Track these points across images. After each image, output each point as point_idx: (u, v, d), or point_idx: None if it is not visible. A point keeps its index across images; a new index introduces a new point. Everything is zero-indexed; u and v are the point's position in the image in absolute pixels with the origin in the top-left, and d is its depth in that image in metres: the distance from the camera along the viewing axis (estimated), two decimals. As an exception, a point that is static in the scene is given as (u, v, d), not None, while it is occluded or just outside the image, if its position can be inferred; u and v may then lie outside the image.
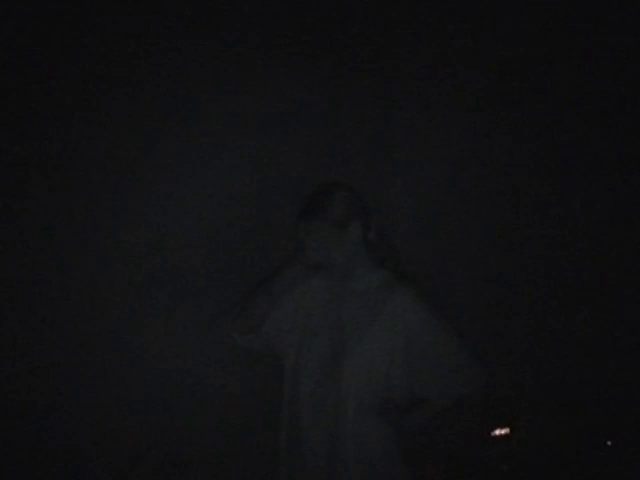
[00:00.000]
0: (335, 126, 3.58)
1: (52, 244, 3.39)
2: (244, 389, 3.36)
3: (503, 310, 3.56)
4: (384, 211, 3.33)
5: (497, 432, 3.44)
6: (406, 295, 2.61)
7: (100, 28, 3.40)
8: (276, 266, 2.64)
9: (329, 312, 2.62)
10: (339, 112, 3.58)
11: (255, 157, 3.52)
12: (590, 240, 3.67)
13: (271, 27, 3.56)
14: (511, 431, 3.45)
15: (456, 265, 3.57)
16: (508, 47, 3.63)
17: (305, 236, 2.59)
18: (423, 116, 3.65)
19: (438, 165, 3.62)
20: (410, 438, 2.63)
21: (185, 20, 3.48)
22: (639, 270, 3.63)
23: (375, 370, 2.56)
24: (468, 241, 3.60)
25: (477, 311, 3.44)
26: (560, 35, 3.63)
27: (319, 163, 3.42)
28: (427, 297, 2.63)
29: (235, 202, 3.48)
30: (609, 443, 3.53)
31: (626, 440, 3.52)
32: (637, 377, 3.55)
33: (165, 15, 3.47)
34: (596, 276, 3.66)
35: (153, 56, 3.45)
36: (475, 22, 3.64)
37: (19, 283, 3.35)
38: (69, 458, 3.33)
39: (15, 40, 3.33)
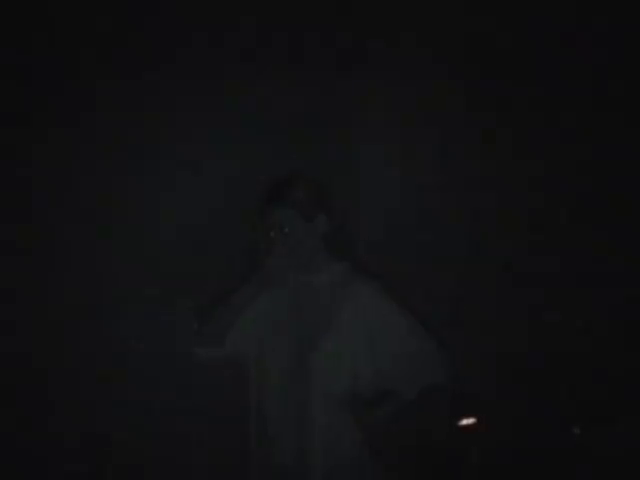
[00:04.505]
0: (303, 122, 3.62)
1: (49, 241, 3.43)
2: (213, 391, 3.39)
3: (469, 301, 3.60)
4: (348, 206, 3.38)
5: (464, 422, 3.48)
6: (367, 289, 2.63)
7: (95, 30, 3.44)
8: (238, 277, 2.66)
9: (291, 310, 2.65)
10: (306, 108, 3.61)
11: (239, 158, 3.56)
12: (564, 235, 3.71)
13: (251, 28, 3.59)
14: (478, 421, 3.49)
15: (422, 258, 3.61)
16: (483, 44, 3.66)
17: (269, 228, 2.59)
18: (392, 112, 3.69)
19: (405, 162, 3.65)
20: (378, 432, 2.67)
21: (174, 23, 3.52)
22: (602, 260, 3.68)
23: (341, 366, 2.57)
24: (435, 235, 3.64)
25: (443, 302, 3.49)
26: (540, 31, 3.66)
27: (286, 158, 3.45)
28: (388, 290, 2.66)
29: (229, 203, 3.52)
30: (577, 431, 3.58)
31: (595, 427, 3.57)
32: (606, 364, 3.59)
33: (162, 16, 3.50)
34: (566, 265, 3.71)
35: (152, 57, 3.48)
36: (450, 20, 3.67)
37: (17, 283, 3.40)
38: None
39: (15, 40, 3.37)
